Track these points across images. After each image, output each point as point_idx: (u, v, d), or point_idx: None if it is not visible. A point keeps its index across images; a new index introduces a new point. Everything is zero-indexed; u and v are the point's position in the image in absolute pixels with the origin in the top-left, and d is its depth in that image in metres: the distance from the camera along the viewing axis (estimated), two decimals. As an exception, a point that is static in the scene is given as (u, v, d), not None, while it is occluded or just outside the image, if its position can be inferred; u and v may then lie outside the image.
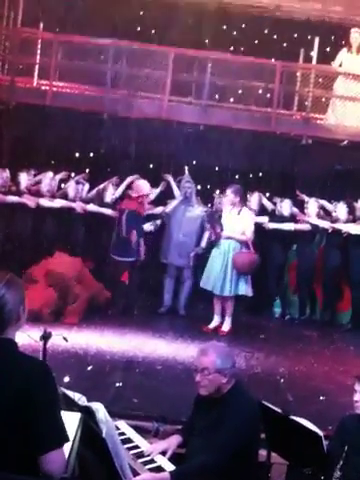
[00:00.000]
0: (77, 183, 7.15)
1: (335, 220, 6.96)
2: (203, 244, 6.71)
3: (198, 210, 6.82)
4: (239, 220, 6.19)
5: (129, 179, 6.99)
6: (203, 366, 2.78)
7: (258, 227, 6.62)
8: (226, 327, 6.20)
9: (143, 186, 6.66)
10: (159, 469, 2.69)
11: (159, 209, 6.90)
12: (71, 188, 7.06)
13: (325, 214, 7.13)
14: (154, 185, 7.03)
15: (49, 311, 5.81)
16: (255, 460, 2.83)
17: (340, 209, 6.95)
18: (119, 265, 6.41)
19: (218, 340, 5.61)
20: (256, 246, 6.28)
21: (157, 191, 7.08)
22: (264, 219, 6.89)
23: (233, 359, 2.88)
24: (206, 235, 6.70)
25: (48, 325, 5.65)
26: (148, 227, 6.59)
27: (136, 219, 6.48)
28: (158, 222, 6.67)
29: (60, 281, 6.03)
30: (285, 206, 7.03)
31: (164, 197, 7.07)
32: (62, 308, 5.98)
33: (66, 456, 1.98)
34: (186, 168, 7.05)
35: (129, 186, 6.85)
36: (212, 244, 6.38)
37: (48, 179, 7.05)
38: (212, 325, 6.24)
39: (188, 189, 6.79)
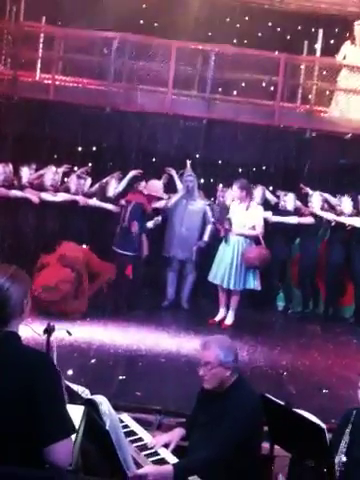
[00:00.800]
0: (79, 177, 7.14)
1: (339, 214, 6.94)
2: (206, 238, 6.71)
3: (200, 204, 6.81)
4: (248, 215, 6.21)
5: (131, 173, 6.99)
6: (206, 360, 2.78)
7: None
8: (229, 320, 6.21)
9: (157, 187, 6.67)
10: (162, 462, 2.71)
11: (161, 203, 6.90)
12: (73, 182, 7.06)
13: (329, 208, 7.10)
14: (157, 179, 7.03)
15: (67, 288, 5.84)
16: (258, 453, 2.84)
17: (344, 203, 6.93)
18: (121, 258, 6.40)
19: (221, 333, 5.65)
20: (257, 238, 6.30)
21: (149, 182, 7.06)
22: (268, 214, 6.88)
23: (236, 352, 2.88)
24: (208, 228, 6.71)
25: (64, 305, 5.75)
26: (149, 224, 6.58)
27: (140, 213, 6.47)
28: (159, 218, 6.65)
29: (74, 262, 6.09)
30: (289, 200, 7.02)
31: (166, 191, 7.06)
32: (79, 288, 6.03)
33: (72, 447, 1.98)
34: (188, 162, 7.03)
35: (139, 182, 6.83)
36: (220, 238, 6.38)
37: (51, 173, 7.04)
38: (218, 318, 6.28)
39: (190, 183, 6.78)
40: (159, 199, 6.75)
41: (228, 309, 6.26)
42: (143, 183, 6.81)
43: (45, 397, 1.89)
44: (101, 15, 8.46)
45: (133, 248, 6.39)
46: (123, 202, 6.66)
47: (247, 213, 6.21)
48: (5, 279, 1.97)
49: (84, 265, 6.19)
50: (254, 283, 6.16)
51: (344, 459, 2.58)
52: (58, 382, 1.97)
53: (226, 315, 6.26)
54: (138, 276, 6.55)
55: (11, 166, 6.90)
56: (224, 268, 6.14)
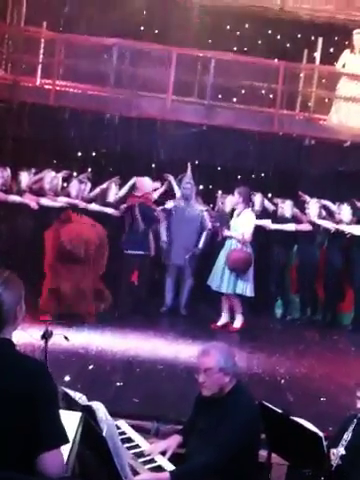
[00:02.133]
0: (80, 182, 7.15)
1: (339, 221, 6.94)
2: (200, 245, 6.72)
3: (198, 210, 6.82)
4: (239, 221, 6.27)
5: (133, 180, 7.00)
6: (206, 366, 2.78)
7: (260, 228, 6.64)
8: (237, 324, 6.27)
9: (146, 183, 6.72)
10: (159, 469, 2.69)
11: (160, 209, 6.91)
12: (74, 187, 7.06)
13: (328, 215, 7.11)
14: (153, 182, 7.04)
15: (92, 249, 5.88)
16: (255, 460, 2.83)
17: (344, 210, 6.94)
18: (131, 260, 6.38)
19: (223, 338, 5.65)
20: (253, 246, 6.34)
21: (161, 191, 7.09)
22: (267, 221, 6.90)
23: (234, 358, 2.88)
24: (204, 235, 6.72)
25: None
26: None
27: (148, 211, 6.51)
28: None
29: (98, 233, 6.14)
30: (287, 207, 7.03)
31: (165, 197, 7.07)
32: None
33: (64, 458, 1.95)
34: (189, 166, 7.02)
35: (133, 187, 6.86)
36: (218, 244, 6.44)
37: (49, 177, 7.05)
38: (220, 322, 6.30)
39: (187, 190, 6.79)
40: (151, 192, 6.77)
41: (232, 313, 6.29)
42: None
43: (39, 406, 1.86)
44: (102, 21, 8.50)
45: (143, 247, 6.42)
46: (123, 207, 6.65)
47: (238, 219, 6.29)
48: None
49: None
50: (244, 288, 6.19)
51: (343, 452, 2.56)
52: (53, 390, 1.94)
53: (232, 319, 6.29)
54: (143, 280, 6.56)
55: (9, 171, 6.90)
56: (218, 272, 6.24)
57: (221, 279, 6.20)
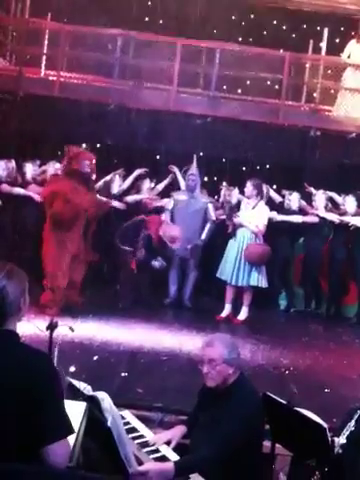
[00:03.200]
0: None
1: (343, 213, 6.92)
2: (203, 236, 6.71)
3: (202, 202, 6.81)
4: (254, 214, 6.25)
5: (137, 172, 6.98)
6: (210, 357, 2.78)
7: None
8: (242, 316, 6.29)
9: (174, 231, 6.44)
10: (163, 459, 2.71)
11: (165, 201, 6.90)
12: None
13: (333, 207, 7.09)
14: (160, 176, 7.03)
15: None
16: (259, 451, 2.84)
17: (349, 202, 6.92)
18: (124, 253, 6.39)
19: (228, 329, 5.66)
20: (265, 239, 6.33)
21: (165, 182, 7.08)
22: (273, 213, 6.89)
23: (238, 350, 2.89)
24: (207, 227, 6.72)
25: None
26: (154, 264, 6.45)
27: (149, 243, 6.45)
28: (163, 263, 6.55)
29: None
30: (293, 199, 7.01)
31: (171, 188, 7.06)
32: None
33: (70, 447, 1.97)
34: (194, 158, 6.97)
35: (143, 180, 6.83)
36: (224, 236, 6.42)
37: (53, 169, 7.04)
38: (224, 314, 6.31)
39: (192, 182, 6.77)
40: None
41: (237, 305, 6.31)
42: (147, 181, 6.82)
43: (44, 397, 1.87)
44: (106, 12, 8.47)
45: (135, 245, 6.40)
46: (130, 200, 6.61)
47: (254, 211, 6.27)
48: (1, 277, 1.94)
49: None
50: (259, 280, 6.21)
51: (343, 441, 2.57)
52: (57, 382, 1.94)
53: (234, 311, 6.30)
54: (143, 272, 6.56)
55: (14, 162, 6.89)
56: (230, 264, 6.23)
57: (234, 271, 6.18)
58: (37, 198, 6.70)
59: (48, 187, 6.07)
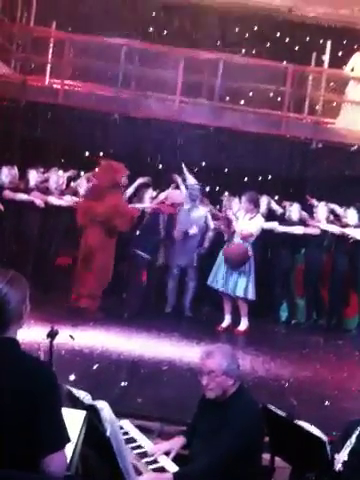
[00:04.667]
0: (88, 181, 7.16)
1: (345, 225, 6.92)
2: (206, 244, 6.74)
3: (202, 211, 6.83)
4: (250, 224, 6.28)
5: (139, 180, 7.00)
6: (210, 369, 2.77)
7: (267, 231, 6.63)
8: (242, 327, 6.27)
9: (177, 195, 6.74)
10: (162, 470, 2.69)
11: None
12: (82, 186, 7.08)
13: (335, 219, 7.09)
14: (162, 186, 7.04)
15: None
16: (258, 464, 2.82)
17: (350, 214, 6.93)
18: (138, 261, 6.38)
19: (228, 340, 5.65)
20: (260, 248, 6.36)
21: (169, 191, 7.10)
22: (274, 224, 6.89)
23: (238, 361, 2.88)
24: (208, 235, 6.74)
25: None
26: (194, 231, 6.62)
27: (170, 223, 6.58)
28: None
29: None
30: (294, 210, 7.02)
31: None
32: None
33: (68, 457, 1.97)
34: (184, 168, 6.98)
35: (146, 189, 6.87)
36: (221, 245, 6.43)
37: (55, 176, 7.07)
38: (224, 324, 6.32)
39: (195, 191, 6.80)
40: (180, 204, 6.78)
41: (235, 315, 6.30)
42: (154, 192, 6.87)
43: (42, 407, 1.86)
44: (111, 22, 8.54)
45: (151, 252, 6.43)
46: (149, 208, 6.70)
47: (250, 222, 6.27)
48: (3, 284, 1.93)
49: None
50: (245, 290, 6.17)
51: (345, 458, 2.55)
52: (56, 391, 1.93)
53: (236, 321, 6.29)
54: (148, 281, 6.57)
55: (16, 169, 6.92)
56: (220, 271, 6.26)
57: (223, 278, 6.21)
58: (38, 203, 6.73)
59: (101, 201, 6.18)
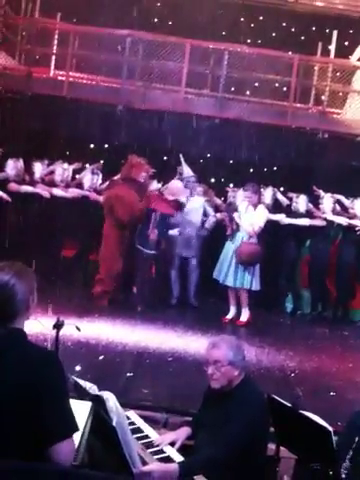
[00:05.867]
0: (92, 173, 7.17)
1: (352, 216, 6.89)
2: (207, 225, 6.74)
3: (200, 201, 6.83)
4: (253, 216, 6.24)
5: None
6: (215, 359, 2.78)
7: (273, 222, 6.61)
8: (244, 318, 6.27)
9: (178, 188, 6.56)
10: (168, 460, 2.71)
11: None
12: (87, 178, 7.08)
13: (342, 210, 7.06)
14: (167, 177, 7.02)
15: None
16: (263, 454, 2.84)
17: (357, 205, 6.89)
18: (144, 256, 6.37)
19: (233, 331, 5.66)
20: (265, 240, 6.32)
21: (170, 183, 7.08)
22: (281, 216, 6.87)
23: (243, 352, 2.88)
24: (208, 219, 6.72)
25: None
26: (171, 232, 6.56)
27: (164, 223, 6.42)
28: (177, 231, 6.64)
29: None
30: (301, 202, 6.99)
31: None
32: None
33: (75, 445, 1.98)
34: (182, 159, 6.91)
35: (151, 181, 6.82)
36: (226, 237, 6.42)
37: (61, 169, 7.08)
38: (230, 316, 6.33)
39: (190, 183, 6.78)
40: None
41: (239, 307, 6.29)
42: (158, 184, 6.82)
43: (50, 395, 1.88)
44: (116, 13, 8.49)
45: (155, 247, 6.40)
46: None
47: (255, 214, 6.25)
48: (10, 276, 1.95)
49: None
50: (250, 282, 6.18)
51: (348, 464, 2.56)
52: (63, 381, 1.95)
53: (240, 313, 6.29)
54: (156, 274, 6.58)
55: (22, 161, 6.94)
56: (224, 265, 6.25)
57: (227, 273, 6.20)
58: (45, 194, 6.76)
59: (109, 191, 6.44)
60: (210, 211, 6.83)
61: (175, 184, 6.59)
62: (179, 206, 6.60)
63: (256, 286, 6.24)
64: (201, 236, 6.78)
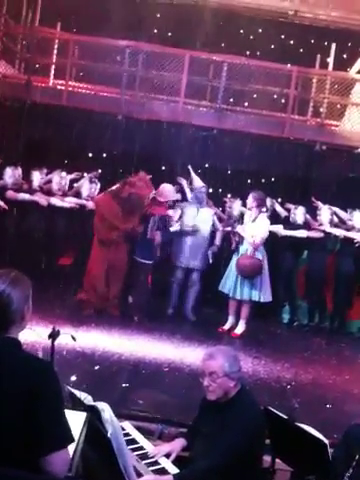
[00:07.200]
0: (90, 182, 7.17)
1: (350, 228, 6.90)
2: (217, 242, 6.72)
3: (210, 212, 6.82)
4: (253, 226, 6.23)
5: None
6: (211, 370, 2.77)
7: (270, 233, 6.61)
8: (239, 330, 6.24)
9: (169, 191, 6.54)
10: (163, 471, 2.69)
11: (171, 212, 6.89)
12: (85, 187, 7.09)
13: (340, 222, 7.07)
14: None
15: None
16: (259, 465, 2.82)
17: (356, 217, 6.90)
18: (142, 267, 6.36)
19: (229, 342, 5.64)
20: (264, 252, 6.30)
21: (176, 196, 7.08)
22: (279, 227, 6.87)
23: (239, 363, 2.87)
24: (218, 234, 6.73)
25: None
26: (172, 229, 6.55)
27: (165, 224, 6.45)
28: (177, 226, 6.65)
29: None
30: (299, 213, 7.00)
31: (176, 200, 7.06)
32: None
33: (70, 456, 1.96)
34: (191, 171, 6.96)
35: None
36: (231, 249, 6.42)
37: (58, 177, 7.08)
38: (227, 326, 6.32)
39: (202, 194, 6.79)
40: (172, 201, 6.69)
41: (238, 318, 6.28)
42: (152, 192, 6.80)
43: (45, 405, 1.86)
44: (115, 23, 8.54)
45: (153, 257, 6.39)
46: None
47: (254, 224, 6.24)
48: (6, 285, 1.94)
49: None
50: (260, 295, 6.16)
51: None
52: (58, 391, 1.93)
53: (236, 324, 6.27)
54: (154, 285, 6.57)
55: (20, 169, 6.94)
56: (232, 278, 6.22)
57: (236, 285, 6.17)
58: (42, 202, 6.76)
59: (97, 207, 6.43)
60: (218, 225, 6.77)
61: (166, 188, 6.56)
62: (172, 207, 6.62)
63: (267, 298, 6.21)
64: (209, 250, 6.70)
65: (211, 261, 6.66)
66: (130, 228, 6.19)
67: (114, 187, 6.48)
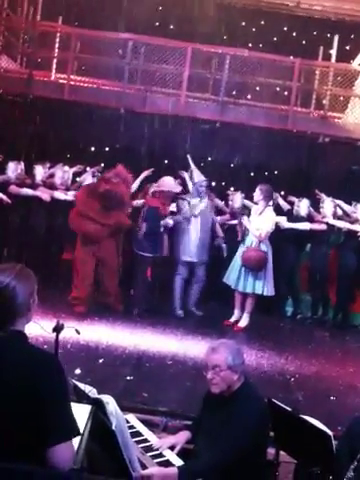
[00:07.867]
0: (93, 176, 7.17)
1: (354, 221, 6.88)
2: (220, 233, 6.69)
3: (209, 206, 6.81)
4: (260, 219, 6.22)
5: (144, 173, 6.98)
6: (215, 363, 2.77)
7: (274, 226, 6.60)
8: (243, 323, 6.25)
9: (169, 183, 6.47)
10: (167, 463, 2.70)
11: (173, 205, 6.88)
12: (88, 181, 7.08)
13: (343, 214, 7.05)
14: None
15: None
16: (263, 458, 2.83)
17: (359, 210, 6.88)
18: (142, 260, 6.36)
19: (233, 336, 5.64)
20: (272, 245, 6.30)
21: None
22: (282, 219, 6.86)
23: (243, 356, 2.88)
24: (218, 226, 6.73)
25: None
26: (168, 221, 6.45)
27: (154, 215, 6.38)
28: (170, 222, 6.59)
29: None
30: (303, 206, 6.98)
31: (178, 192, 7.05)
32: None
33: (74, 449, 1.97)
34: (191, 162, 6.89)
35: (151, 182, 6.79)
36: (236, 241, 6.42)
37: (60, 171, 7.08)
38: (233, 319, 6.33)
39: (203, 188, 6.76)
40: (173, 193, 6.59)
41: (243, 311, 6.28)
42: (154, 183, 6.78)
43: (50, 398, 1.87)
44: (117, 16, 8.51)
45: (154, 250, 6.36)
46: (137, 203, 6.61)
47: (260, 217, 6.23)
48: (11, 278, 1.95)
49: None
50: (264, 288, 6.16)
51: (352, 474, 2.54)
52: (64, 383, 1.94)
53: (240, 317, 6.28)
54: (154, 277, 6.55)
55: (23, 164, 6.94)
56: (236, 270, 6.22)
57: (239, 277, 6.17)
58: (45, 197, 6.75)
59: (76, 205, 6.25)
60: (216, 218, 6.76)
61: (166, 180, 6.49)
62: (169, 199, 6.54)
63: (269, 291, 6.20)
64: (215, 242, 6.69)
65: (225, 254, 6.61)
66: (112, 223, 6.05)
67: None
